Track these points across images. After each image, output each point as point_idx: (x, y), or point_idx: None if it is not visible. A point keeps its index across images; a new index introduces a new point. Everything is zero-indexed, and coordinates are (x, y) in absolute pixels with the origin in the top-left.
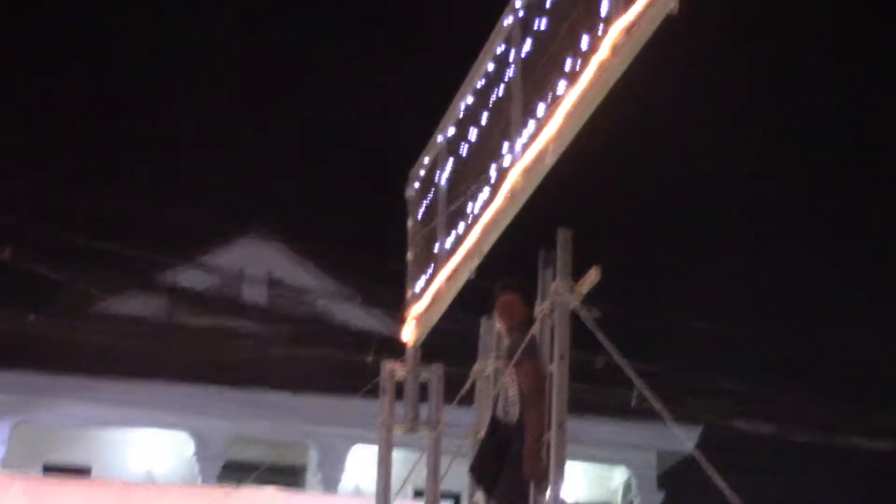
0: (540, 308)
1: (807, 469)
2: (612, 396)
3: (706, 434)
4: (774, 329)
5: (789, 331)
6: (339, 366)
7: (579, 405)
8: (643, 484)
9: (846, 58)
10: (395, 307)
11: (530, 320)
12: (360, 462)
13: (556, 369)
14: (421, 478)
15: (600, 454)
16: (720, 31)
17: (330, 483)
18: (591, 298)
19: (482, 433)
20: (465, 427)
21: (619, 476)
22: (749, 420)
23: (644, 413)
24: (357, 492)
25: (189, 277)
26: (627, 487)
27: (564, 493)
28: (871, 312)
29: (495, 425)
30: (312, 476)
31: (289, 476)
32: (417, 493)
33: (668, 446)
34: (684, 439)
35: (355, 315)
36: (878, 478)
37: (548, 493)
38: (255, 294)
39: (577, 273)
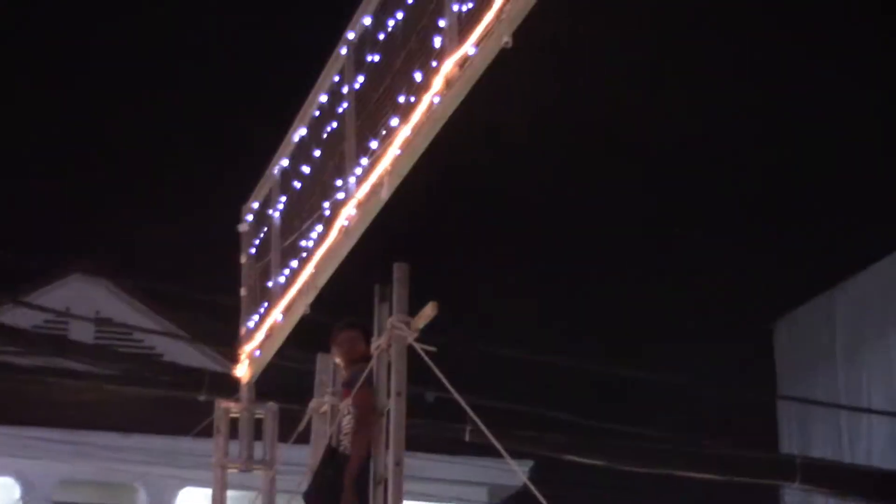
0: (377, 343)
1: (638, 501)
2: (443, 431)
3: (537, 468)
4: (605, 358)
5: (620, 359)
6: (169, 404)
7: (411, 441)
8: None
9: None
10: (227, 344)
11: (369, 357)
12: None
13: (394, 405)
14: None
15: (431, 490)
16: (557, 60)
17: None
18: (426, 332)
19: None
20: (301, 466)
21: None
22: (580, 453)
23: (475, 448)
24: None
25: (13, 316)
26: None
27: None
28: (705, 346)
29: (331, 454)
30: None
31: None
32: None
33: (499, 481)
34: (519, 472)
35: (186, 352)
36: None
37: None
38: (81, 332)
39: (413, 308)
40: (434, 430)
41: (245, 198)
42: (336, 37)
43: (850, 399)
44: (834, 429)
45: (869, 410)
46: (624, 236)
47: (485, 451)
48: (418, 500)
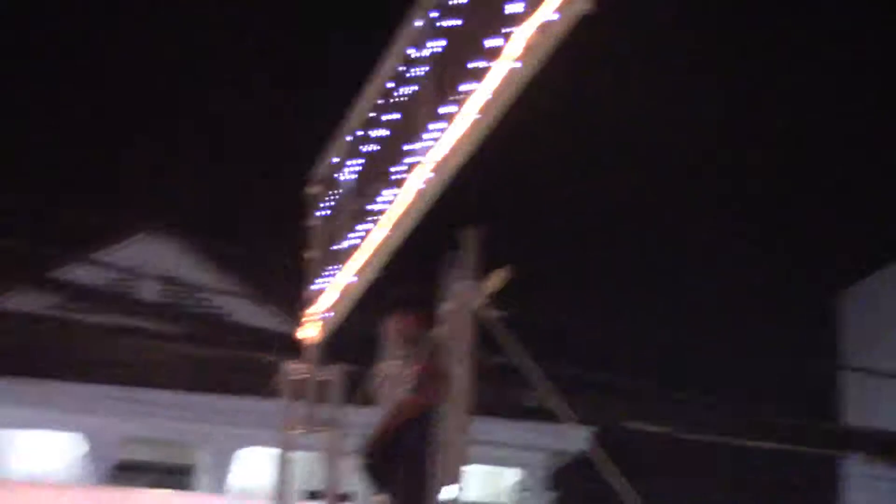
0: (447, 308)
1: (700, 469)
2: (504, 397)
3: (600, 434)
4: (668, 330)
5: (684, 333)
6: (235, 365)
7: (475, 405)
8: (534, 484)
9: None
10: (295, 306)
11: (421, 336)
12: (250, 464)
13: (461, 369)
14: (313, 479)
15: (493, 455)
16: (644, 30)
17: (219, 485)
18: (493, 299)
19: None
20: (366, 428)
21: (510, 476)
22: (643, 420)
23: (536, 413)
24: (247, 493)
25: (82, 274)
26: (518, 487)
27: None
28: (767, 317)
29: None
30: (202, 477)
31: (179, 476)
32: (312, 495)
33: (558, 446)
34: (581, 439)
35: (253, 313)
36: (769, 476)
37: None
38: (148, 291)
39: (484, 273)
40: (498, 395)
41: (314, 160)
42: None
43: None
44: None
45: None
46: (689, 207)
47: (547, 415)
48: (481, 463)
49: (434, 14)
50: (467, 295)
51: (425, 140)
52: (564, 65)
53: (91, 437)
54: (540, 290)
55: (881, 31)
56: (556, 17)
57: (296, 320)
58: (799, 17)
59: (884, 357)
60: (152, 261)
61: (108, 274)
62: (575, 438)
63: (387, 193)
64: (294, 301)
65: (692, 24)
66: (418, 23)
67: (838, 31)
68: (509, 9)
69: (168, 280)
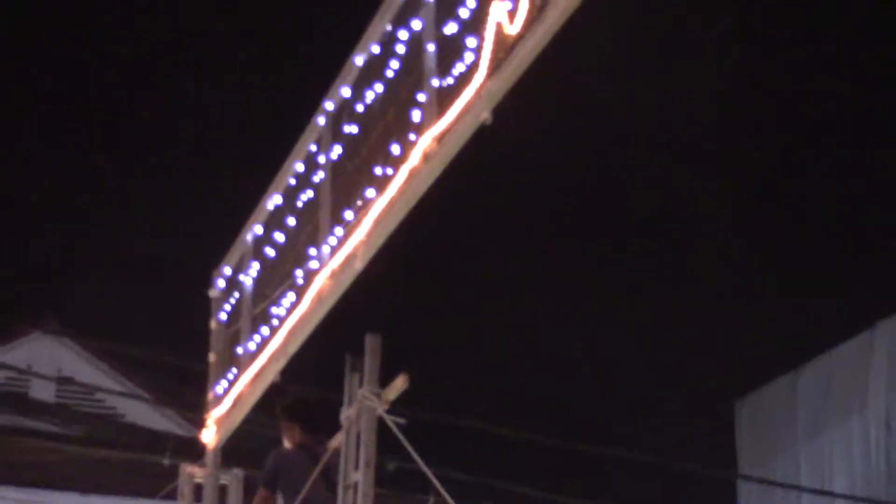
0: (347, 414)
1: None
2: (407, 502)
3: None
4: (569, 432)
5: (584, 434)
6: (131, 467)
7: None
8: None
9: None
10: (191, 408)
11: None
12: None
13: (363, 476)
14: None
15: None
16: (532, 142)
17: None
18: (395, 404)
19: None
20: None
21: None
22: None
23: None
24: None
25: None
26: None
27: None
28: (668, 424)
29: None
30: None
31: None
32: None
33: None
34: None
35: (149, 415)
36: None
37: None
38: (43, 391)
39: (383, 379)
40: (398, 501)
41: (216, 262)
42: (314, 104)
43: (812, 481)
44: None
45: (830, 493)
46: (589, 312)
47: None
48: None
49: (332, 121)
50: (369, 400)
51: (323, 246)
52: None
53: None
54: (440, 395)
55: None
56: (454, 126)
57: (194, 423)
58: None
59: (779, 466)
60: (47, 360)
61: (2, 374)
62: None
63: (286, 298)
64: (193, 404)
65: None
66: (316, 129)
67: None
68: (408, 117)
69: (64, 380)
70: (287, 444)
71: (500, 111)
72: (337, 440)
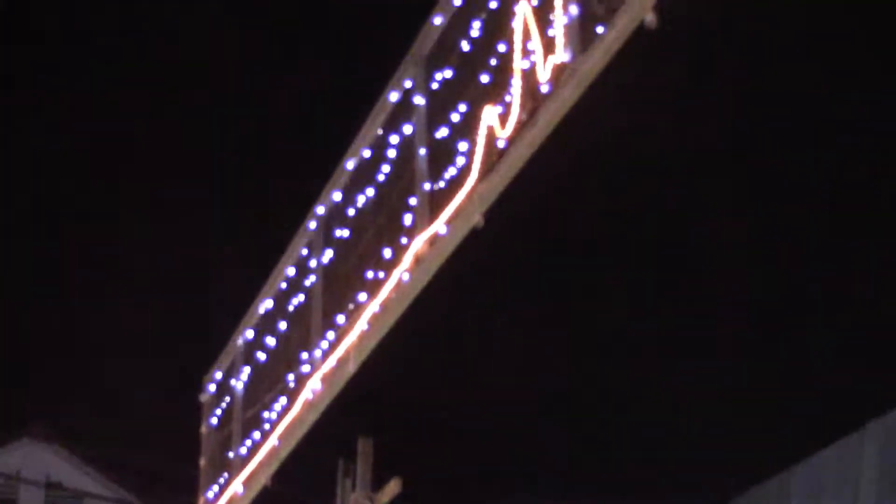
0: None
1: None
2: None
3: None
4: None
5: None
6: None
7: None
8: None
9: None
10: None
11: None
12: None
13: None
14: None
15: None
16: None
17: None
18: None
19: None
20: None
21: None
22: None
23: None
24: None
25: None
26: None
27: None
28: None
29: None
30: None
31: None
32: None
33: None
34: None
35: None
36: None
37: None
38: (31, 497)
39: (377, 482)
40: None
41: (206, 368)
42: (307, 201)
43: None
44: None
45: None
46: (584, 410)
47: None
48: None
49: (323, 216)
50: None
51: (315, 350)
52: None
53: None
54: (434, 497)
55: None
56: (446, 230)
57: None
58: None
59: None
60: (36, 466)
61: None
62: None
63: (278, 402)
64: None
65: None
66: (307, 233)
67: None
68: (400, 221)
69: (52, 486)
70: None
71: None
72: None
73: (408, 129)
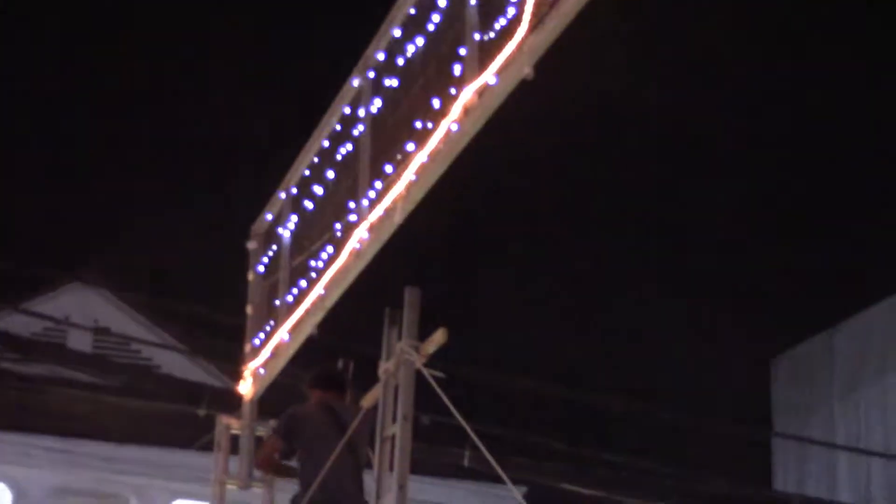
0: (385, 367)
1: None
2: (441, 455)
3: (531, 495)
4: (604, 389)
5: (619, 391)
6: (165, 417)
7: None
8: None
9: None
10: (228, 360)
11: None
12: None
13: (400, 430)
14: None
15: None
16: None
17: None
18: (433, 358)
19: None
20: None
21: None
22: (576, 481)
23: (468, 473)
24: None
25: (13, 323)
26: None
27: None
28: (703, 381)
29: None
30: None
31: None
32: None
33: None
34: (518, 496)
35: (183, 366)
36: None
37: None
38: (80, 342)
39: (421, 333)
40: (432, 455)
41: (254, 214)
42: (357, 51)
43: (848, 439)
44: (830, 468)
45: (866, 451)
46: (627, 268)
47: (479, 476)
48: None
49: (372, 74)
50: (408, 354)
51: (362, 200)
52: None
53: (18, 487)
54: (477, 350)
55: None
56: (495, 81)
57: (231, 375)
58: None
59: (815, 425)
60: (84, 311)
61: (41, 323)
62: (508, 499)
63: (325, 251)
64: (230, 356)
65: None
66: (356, 82)
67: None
68: (449, 71)
69: (100, 331)
70: None
71: (541, 66)
72: (374, 394)
73: None
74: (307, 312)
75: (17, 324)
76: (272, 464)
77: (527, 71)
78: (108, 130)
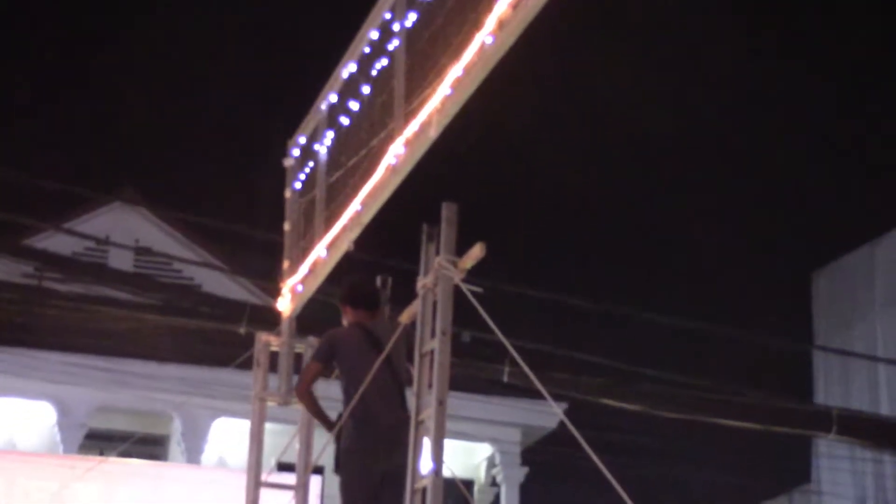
0: (423, 282)
1: (673, 446)
2: (481, 371)
3: (571, 411)
4: (642, 303)
5: (658, 305)
6: (207, 335)
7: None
8: (507, 459)
9: None
10: (266, 277)
11: (360, 322)
12: (223, 434)
13: (438, 345)
14: (287, 450)
15: (467, 430)
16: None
17: (193, 454)
18: (471, 273)
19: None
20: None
21: (482, 451)
22: (616, 396)
23: (509, 389)
24: (221, 463)
25: (55, 242)
26: (491, 463)
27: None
28: (741, 295)
29: None
30: (176, 447)
31: (152, 446)
32: (282, 467)
33: (532, 422)
34: (559, 411)
35: (224, 284)
36: (741, 455)
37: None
38: (121, 260)
39: (460, 248)
40: (472, 371)
41: (290, 132)
42: None
43: (889, 351)
44: (871, 381)
45: None
46: (664, 179)
47: (519, 392)
48: (452, 438)
49: None
50: (446, 269)
51: (398, 114)
52: (542, 45)
53: (61, 405)
54: (513, 265)
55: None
56: None
57: (269, 292)
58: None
59: (856, 338)
60: (126, 230)
61: (82, 243)
62: (548, 414)
63: (363, 166)
64: (268, 273)
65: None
66: None
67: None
68: None
69: (141, 250)
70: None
71: None
72: (412, 310)
73: None
74: (344, 228)
75: (59, 243)
76: (311, 401)
77: None
78: (143, 52)
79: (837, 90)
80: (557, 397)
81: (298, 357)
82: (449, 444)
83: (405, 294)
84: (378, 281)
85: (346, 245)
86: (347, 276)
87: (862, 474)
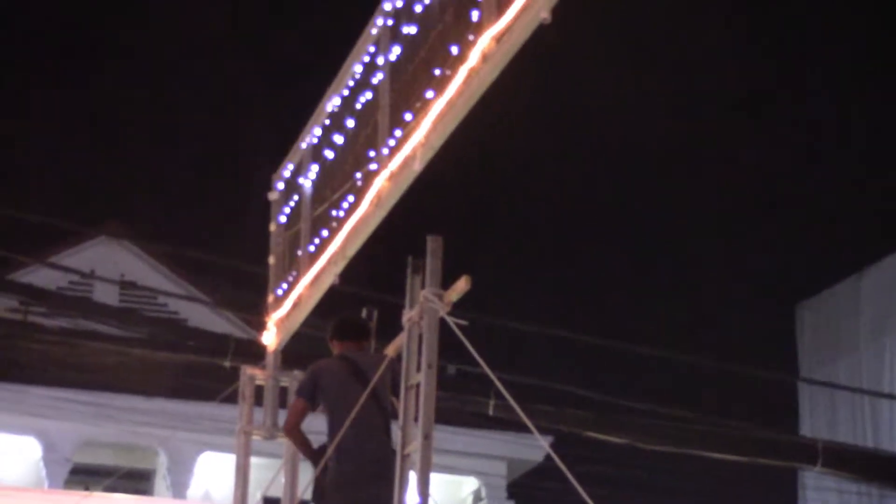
0: (409, 315)
1: (659, 479)
2: (466, 404)
3: (559, 443)
4: (629, 336)
5: (644, 337)
6: (192, 369)
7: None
8: (493, 493)
9: None
10: (251, 311)
11: (345, 354)
12: (209, 469)
13: (424, 378)
14: (272, 485)
15: (453, 463)
16: (588, 43)
17: (179, 489)
18: (456, 306)
19: None
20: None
21: (469, 485)
22: (601, 429)
23: (495, 422)
24: (206, 498)
25: (39, 277)
26: (477, 496)
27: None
28: (728, 327)
29: None
30: (161, 481)
31: (137, 481)
32: (268, 501)
33: (518, 455)
34: (545, 444)
35: (209, 318)
36: (727, 487)
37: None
38: (106, 295)
39: (446, 281)
40: (457, 404)
41: (275, 165)
42: (372, 7)
43: (873, 384)
44: (856, 413)
45: (892, 396)
46: (653, 215)
47: (504, 425)
48: (438, 472)
49: (391, 21)
50: (431, 302)
51: (382, 148)
52: (527, 74)
53: (46, 440)
54: (498, 298)
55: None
56: (514, 26)
57: (254, 326)
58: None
59: (841, 369)
60: (111, 264)
61: (67, 277)
62: (533, 447)
63: (345, 201)
64: (253, 307)
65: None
66: (375, 30)
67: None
68: (467, 17)
69: (126, 284)
70: None
71: (560, 9)
72: (398, 343)
73: None
74: (329, 262)
75: (44, 277)
76: (299, 438)
77: (544, 15)
78: (131, 84)
79: (825, 121)
80: (543, 430)
81: (283, 390)
82: (435, 477)
83: (391, 327)
84: (364, 312)
85: (331, 278)
86: (336, 314)
87: None
